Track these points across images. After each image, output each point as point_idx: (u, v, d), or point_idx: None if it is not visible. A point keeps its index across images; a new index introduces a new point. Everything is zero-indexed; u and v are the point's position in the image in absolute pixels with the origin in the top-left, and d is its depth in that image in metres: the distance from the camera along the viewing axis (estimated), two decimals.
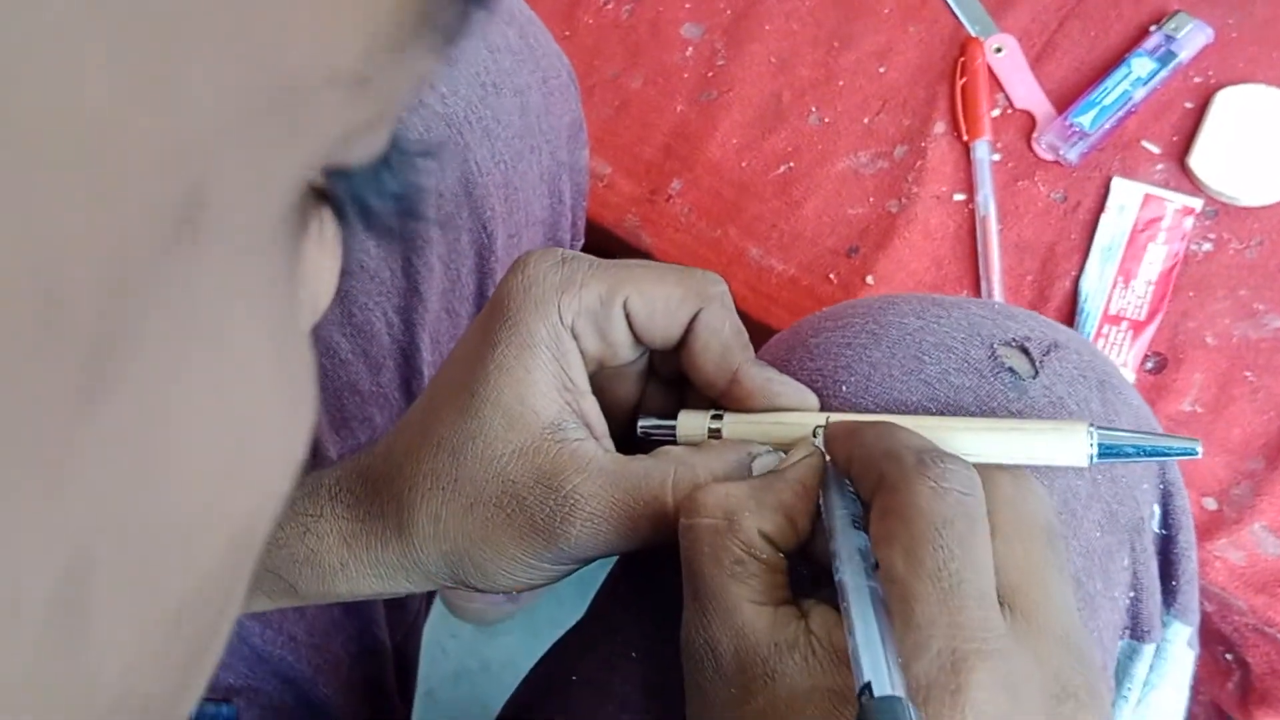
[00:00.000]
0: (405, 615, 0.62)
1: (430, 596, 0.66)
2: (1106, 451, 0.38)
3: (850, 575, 0.32)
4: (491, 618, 1.18)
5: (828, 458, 0.38)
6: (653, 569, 0.46)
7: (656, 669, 0.42)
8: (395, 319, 0.56)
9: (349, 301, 0.54)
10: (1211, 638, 0.71)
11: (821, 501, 0.36)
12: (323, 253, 0.20)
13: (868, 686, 0.28)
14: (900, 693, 0.28)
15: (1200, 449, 0.39)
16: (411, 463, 0.40)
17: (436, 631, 1.17)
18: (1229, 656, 0.71)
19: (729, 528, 0.35)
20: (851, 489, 0.36)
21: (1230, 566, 0.66)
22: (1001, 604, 0.32)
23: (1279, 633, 0.65)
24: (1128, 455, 0.39)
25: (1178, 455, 0.39)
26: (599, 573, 0.47)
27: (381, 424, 0.57)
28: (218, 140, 0.13)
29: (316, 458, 0.53)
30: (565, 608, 1.17)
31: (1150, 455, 0.39)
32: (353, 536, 0.41)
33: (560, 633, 0.50)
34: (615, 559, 0.51)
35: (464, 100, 0.54)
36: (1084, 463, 0.39)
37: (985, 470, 0.34)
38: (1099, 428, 0.39)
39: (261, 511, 0.17)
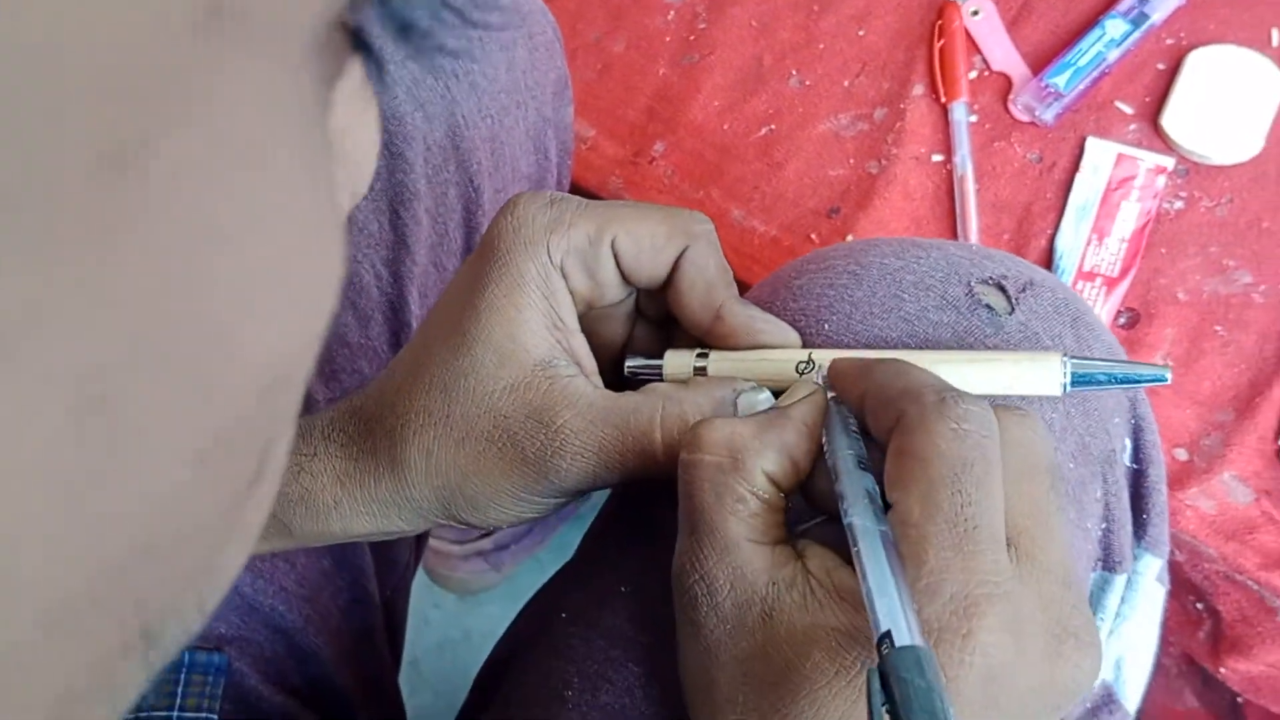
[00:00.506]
0: (394, 569, 0.62)
1: (418, 553, 0.67)
2: (1080, 380, 0.40)
3: (860, 518, 0.32)
4: (475, 587, 1.19)
5: (830, 395, 0.38)
6: (642, 506, 0.47)
7: (646, 604, 0.43)
8: (384, 272, 0.56)
9: None
10: (1182, 587, 0.73)
11: (825, 441, 0.36)
12: (361, 112, 0.20)
13: (887, 635, 0.28)
14: (919, 641, 0.28)
15: (1170, 375, 0.40)
16: (403, 400, 0.41)
17: (419, 602, 1.17)
18: (1200, 606, 0.73)
19: (733, 465, 0.35)
20: (855, 427, 0.36)
21: (1201, 515, 0.67)
22: (1008, 544, 0.32)
23: (1249, 579, 0.67)
24: (1100, 383, 0.40)
25: (1149, 382, 0.40)
26: (572, 538, 0.47)
27: (370, 375, 0.58)
28: None
29: (305, 407, 0.54)
30: (547, 575, 1.18)
31: (1122, 382, 0.40)
32: (346, 475, 0.41)
33: None
34: (603, 502, 0.53)
35: (450, 54, 0.55)
36: (1058, 391, 0.40)
37: (994, 411, 0.34)
38: (1072, 357, 0.40)
39: (295, 358, 0.16)
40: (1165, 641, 0.78)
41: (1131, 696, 0.54)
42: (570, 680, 0.43)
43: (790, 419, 0.37)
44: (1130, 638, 0.51)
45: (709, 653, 0.34)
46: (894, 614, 0.29)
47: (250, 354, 0.15)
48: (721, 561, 0.34)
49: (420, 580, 1.16)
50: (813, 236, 0.78)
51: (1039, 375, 0.40)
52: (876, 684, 0.28)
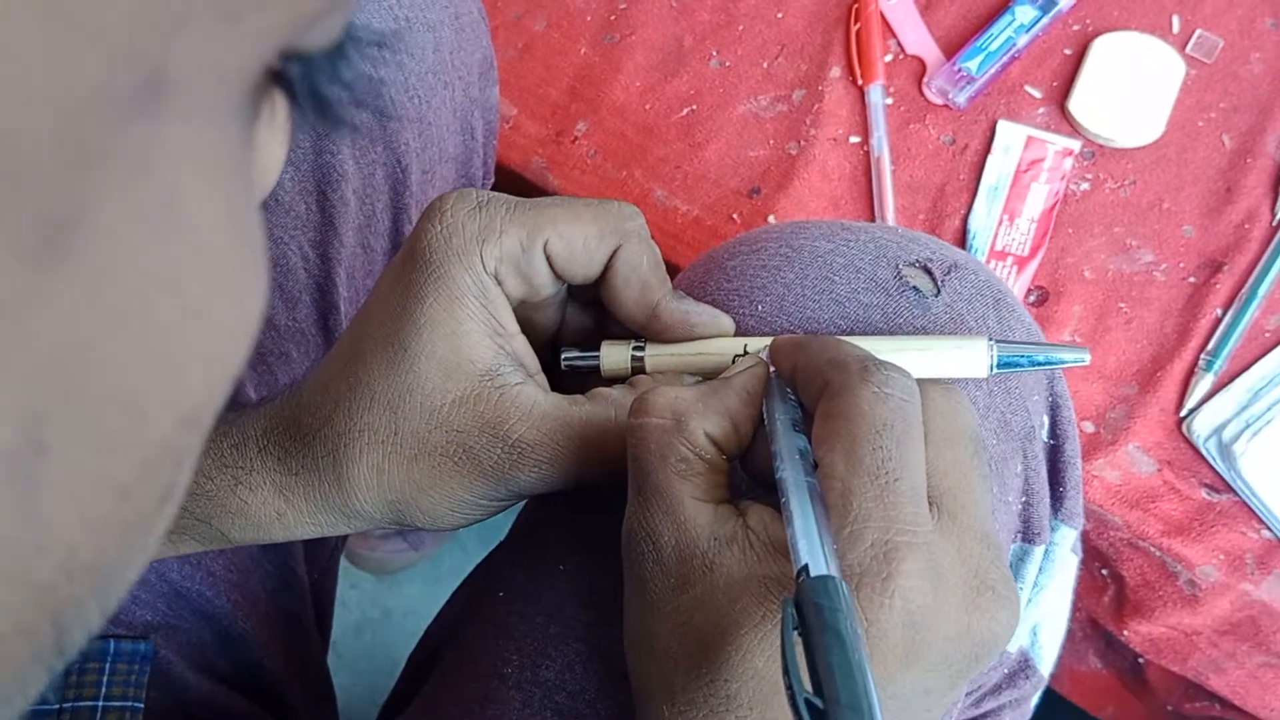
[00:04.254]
0: (322, 551, 0.62)
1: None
2: (1005, 363, 0.41)
3: (790, 472, 0.34)
4: (393, 567, 1.18)
5: (771, 368, 0.39)
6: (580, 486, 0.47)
7: (586, 580, 0.43)
8: (311, 253, 0.56)
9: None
10: (1089, 554, 0.76)
11: (765, 407, 0.38)
12: (272, 134, 0.20)
13: (805, 568, 0.30)
14: (835, 573, 0.30)
15: (1089, 356, 0.42)
16: (343, 416, 0.40)
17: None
18: (1105, 571, 0.76)
19: (676, 428, 0.36)
20: (794, 397, 0.38)
21: (1107, 485, 0.70)
22: (930, 503, 0.34)
23: (1151, 546, 0.70)
24: (1023, 365, 0.42)
25: (1069, 363, 0.42)
26: (502, 518, 0.48)
27: (298, 359, 0.57)
28: (181, 14, 0.14)
29: (234, 394, 0.53)
30: (468, 554, 1.18)
31: (1044, 364, 0.42)
32: (288, 489, 0.41)
33: (460, 581, 0.51)
34: None
35: (377, 34, 0.54)
36: (984, 373, 0.41)
37: (920, 383, 0.36)
38: (997, 341, 0.42)
39: (213, 387, 0.18)
40: (1073, 606, 0.82)
41: (1047, 663, 0.57)
42: (510, 658, 0.43)
43: (732, 386, 0.38)
44: (1046, 606, 0.53)
45: (652, 607, 0.36)
46: (813, 549, 0.31)
47: (173, 395, 0.17)
48: (666, 518, 0.35)
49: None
50: (735, 217, 0.79)
51: (966, 359, 0.41)
52: (790, 610, 0.29)
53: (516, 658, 0.43)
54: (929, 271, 0.46)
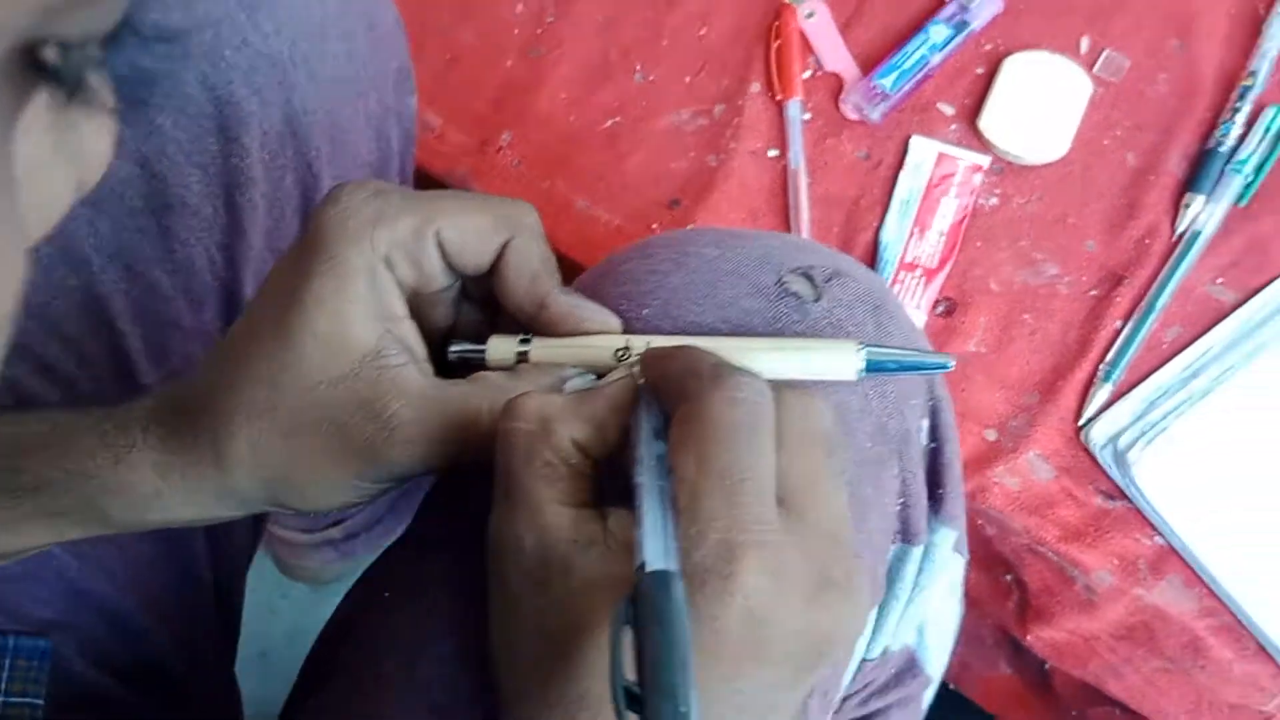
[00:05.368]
0: (228, 549, 0.62)
1: (255, 538, 0.67)
2: (873, 366, 0.43)
3: (645, 476, 0.35)
4: (325, 577, 1.18)
5: (641, 380, 0.40)
6: (464, 487, 0.48)
7: (465, 579, 0.44)
8: (218, 256, 0.56)
9: (169, 237, 0.54)
10: (992, 561, 0.78)
11: (632, 417, 0.39)
12: (92, 121, 0.21)
13: (643, 565, 0.31)
14: (673, 569, 0.31)
15: (953, 363, 0.44)
16: (226, 393, 0.41)
17: (266, 593, 1.15)
18: (1008, 578, 0.78)
19: (543, 433, 0.37)
20: (660, 407, 0.39)
21: (1007, 491, 0.72)
22: (781, 504, 0.35)
23: (1050, 551, 0.72)
24: (891, 369, 0.43)
25: (934, 369, 0.44)
26: None
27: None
28: None
29: (135, 391, 0.53)
30: None
31: (911, 369, 0.44)
32: (167, 466, 0.41)
33: None
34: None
35: (288, 40, 0.55)
36: (854, 376, 0.43)
37: (777, 388, 0.37)
38: (867, 345, 0.43)
39: None
40: (980, 613, 0.84)
41: (936, 664, 0.58)
42: (390, 656, 0.44)
43: (600, 395, 0.39)
44: (930, 606, 0.54)
45: (512, 608, 0.37)
46: (655, 547, 0.32)
47: None
48: (528, 521, 0.36)
49: (269, 571, 1.15)
50: (654, 226, 0.80)
51: (837, 361, 0.43)
52: (623, 604, 0.30)
53: (396, 656, 0.44)
54: (810, 278, 0.47)
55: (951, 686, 0.95)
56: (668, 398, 0.38)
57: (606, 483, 0.39)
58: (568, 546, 0.35)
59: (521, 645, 0.36)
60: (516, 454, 0.37)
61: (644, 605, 0.30)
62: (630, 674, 0.29)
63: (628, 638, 0.30)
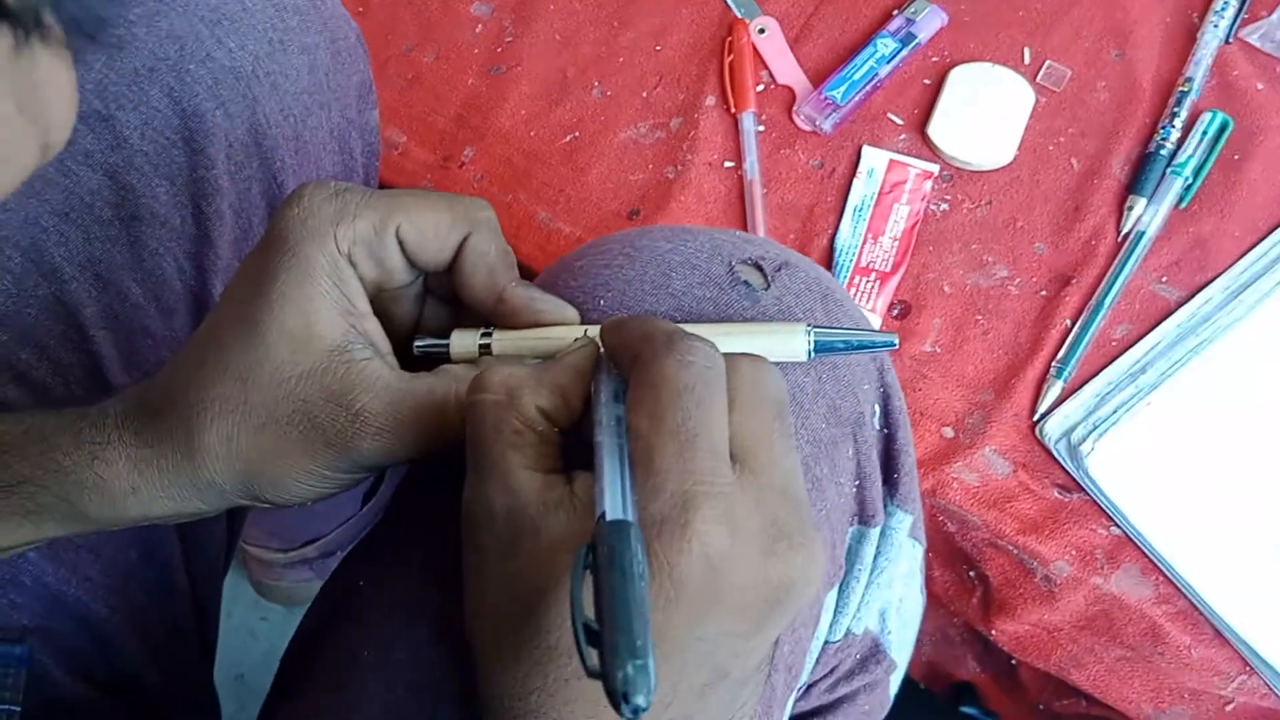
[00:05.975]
0: (204, 556, 0.63)
1: (229, 547, 0.68)
2: (822, 346, 0.45)
3: (605, 436, 0.37)
4: (302, 596, 1.18)
5: (601, 349, 0.42)
6: (434, 479, 0.49)
7: (437, 567, 0.45)
8: (187, 265, 0.57)
9: (139, 247, 0.55)
10: (955, 556, 0.79)
11: (593, 383, 0.41)
12: (53, 83, 0.21)
13: (603, 515, 0.33)
14: (628, 516, 0.33)
15: (897, 341, 0.45)
16: (197, 389, 0.42)
17: (245, 617, 1.16)
18: (972, 573, 0.80)
19: (509, 402, 0.39)
20: (618, 372, 0.40)
21: (965, 487, 0.74)
22: (734, 460, 0.36)
23: (1009, 544, 0.74)
24: (840, 349, 0.45)
25: (881, 347, 0.46)
26: None
27: None
28: None
29: (107, 395, 0.54)
30: None
31: (859, 348, 0.45)
32: (143, 461, 0.42)
33: None
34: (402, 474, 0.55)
35: (251, 55, 0.56)
36: (804, 357, 0.45)
37: (730, 356, 0.39)
38: (815, 327, 0.45)
39: None
40: (948, 612, 0.85)
41: (901, 651, 0.60)
42: (366, 643, 0.45)
43: (563, 364, 0.41)
44: (892, 591, 0.56)
45: (486, 573, 0.38)
46: (614, 500, 0.33)
47: None
48: (499, 487, 0.38)
49: (246, 593, 1.15)
50: None
51: (787, 342, 0.45)
52: (583, 551, 0.32)
53: (372, 642, 0.45)
54: (760, 268, 0.49)
55: (922, 687, 0.96)
56: (625, 362, 0.39)
57: (573, 450, 0.40)
58: (537, 509, 0.37)
59: (495, 608, 0.37)
60: (485, 424, 0.39)
61: (602, 550, 0.31)
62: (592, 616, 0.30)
63: (588, 582, 0.31)
